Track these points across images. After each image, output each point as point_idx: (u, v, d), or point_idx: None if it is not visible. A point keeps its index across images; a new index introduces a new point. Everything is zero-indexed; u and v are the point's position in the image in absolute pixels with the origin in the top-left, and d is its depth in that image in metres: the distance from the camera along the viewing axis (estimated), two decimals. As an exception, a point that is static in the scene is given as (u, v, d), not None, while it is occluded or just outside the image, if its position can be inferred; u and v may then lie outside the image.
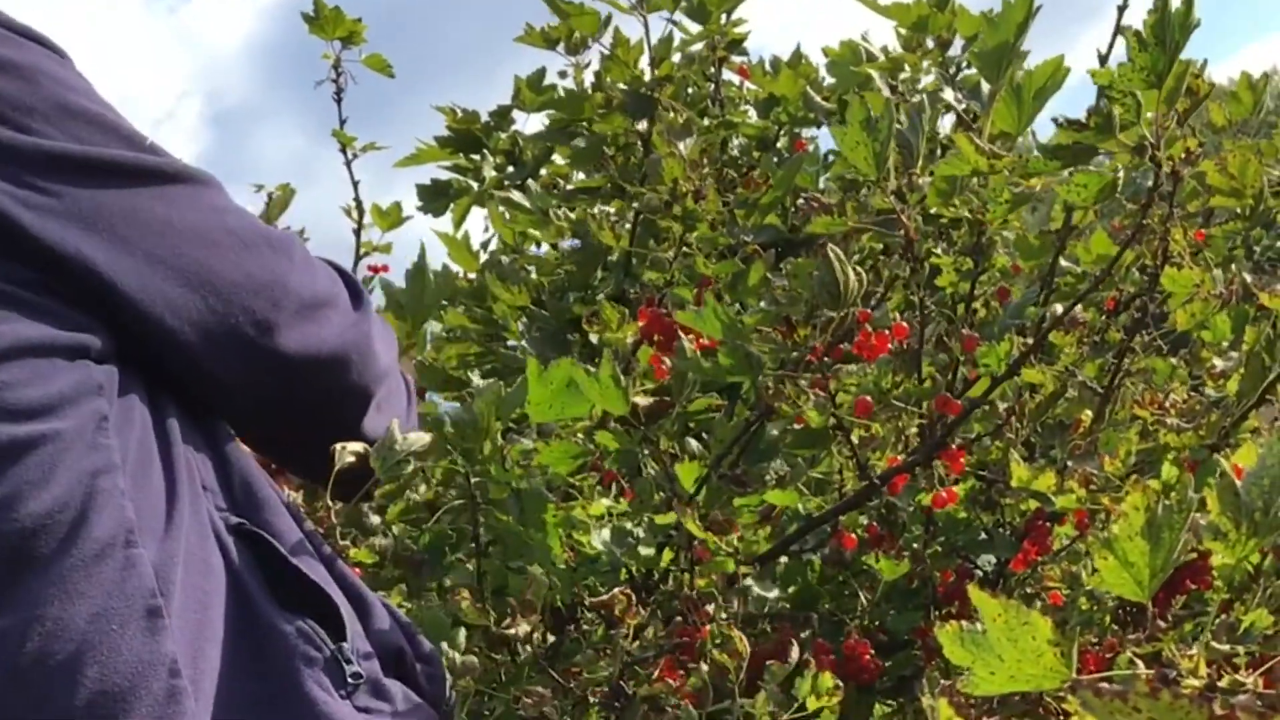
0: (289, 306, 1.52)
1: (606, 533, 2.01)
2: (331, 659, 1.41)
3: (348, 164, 3.28)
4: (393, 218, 3.26)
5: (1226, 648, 1.16)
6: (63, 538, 1.26)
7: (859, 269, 1.93)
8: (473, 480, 1.87)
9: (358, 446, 1.63)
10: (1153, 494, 1.12)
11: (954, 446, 2.07)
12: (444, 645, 1.74)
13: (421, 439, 1.66)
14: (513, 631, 1.78)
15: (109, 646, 1.26)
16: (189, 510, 1.39)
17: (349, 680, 1.42)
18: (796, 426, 2.15)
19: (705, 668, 1.80)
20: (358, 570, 1.64)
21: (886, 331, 2.05)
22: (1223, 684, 1.00)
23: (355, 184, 3.28)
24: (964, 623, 1.11)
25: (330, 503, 1.71)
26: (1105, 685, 0.91)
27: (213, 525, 1.43)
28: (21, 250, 1.32)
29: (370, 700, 1.44)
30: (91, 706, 1.24)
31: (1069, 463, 2.07)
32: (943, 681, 1.06)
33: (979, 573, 2.22)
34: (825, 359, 1.96)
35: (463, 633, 1.76)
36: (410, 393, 1.79)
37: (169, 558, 1.34)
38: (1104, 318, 2.38)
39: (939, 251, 2.37)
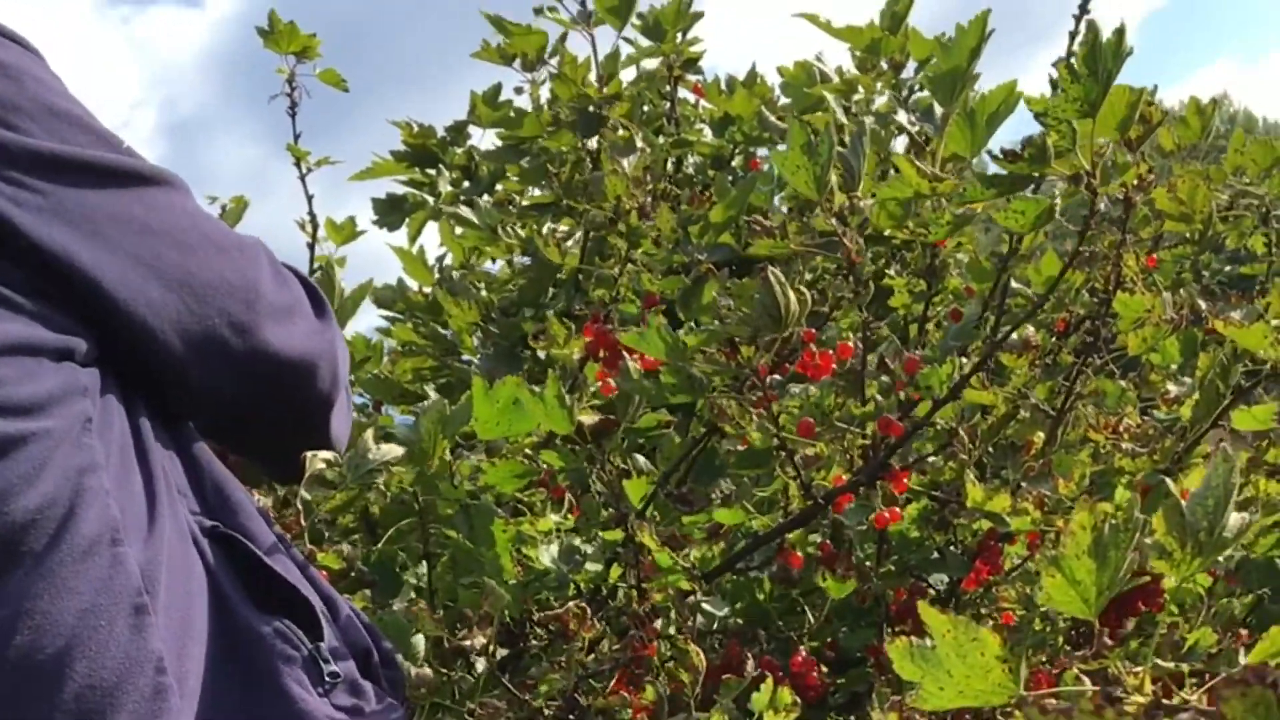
0: (262, 309, 1.54)
1: (555, 549, 2.03)
2: (309, 658, 1.44)
3: (302, 178, 3.27)
4: (346, 232, 3.26)
5: (1171, 665, 1.18)
6: (52, 534, 1.28)
7: (802, 290, 1.94)
8: (421, 497, 1.88)
9: (328, 454, 1.65)
10: (1100, 513, 1.14)
11: (898, 468, 2.09)
12: (399, 658, 1.75)
13: (393, 450, 1.68)
14: (468, 643, 1.78)
15: (97, 643, 1.27)
16: (168, 513, 1.40)
17: (327, 679, 1.44)
18: (741, 447, 2.18)
19: (660, 682, 1.82)
20: (324, 574, 1.65)
21: (831, 352, 2.07)
22: (1167, 702, 1.02)
23: (309, 198, 3.27)
24: (914, 638, 1.13)
25: (300, 507, 1.73)
26: (1051, 701, 0.93)
27: (189, 528, 1.45)
28: (10, 248, 1.33)
29: (348, 699, 1.46)
30: (79, 701, 1.25)
31: (1023, 484, 2.09)
32: (892, 696, 1.07)
33: (931, 592, 2.24)
34: (769, 379, 1.98)
35: (421, 640, 1.77)
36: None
37: (153, 558, 1.35)
38: (1055, 340, 2.40)
39: (892, 273, 2.39)
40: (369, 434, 1.67)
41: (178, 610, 1.36)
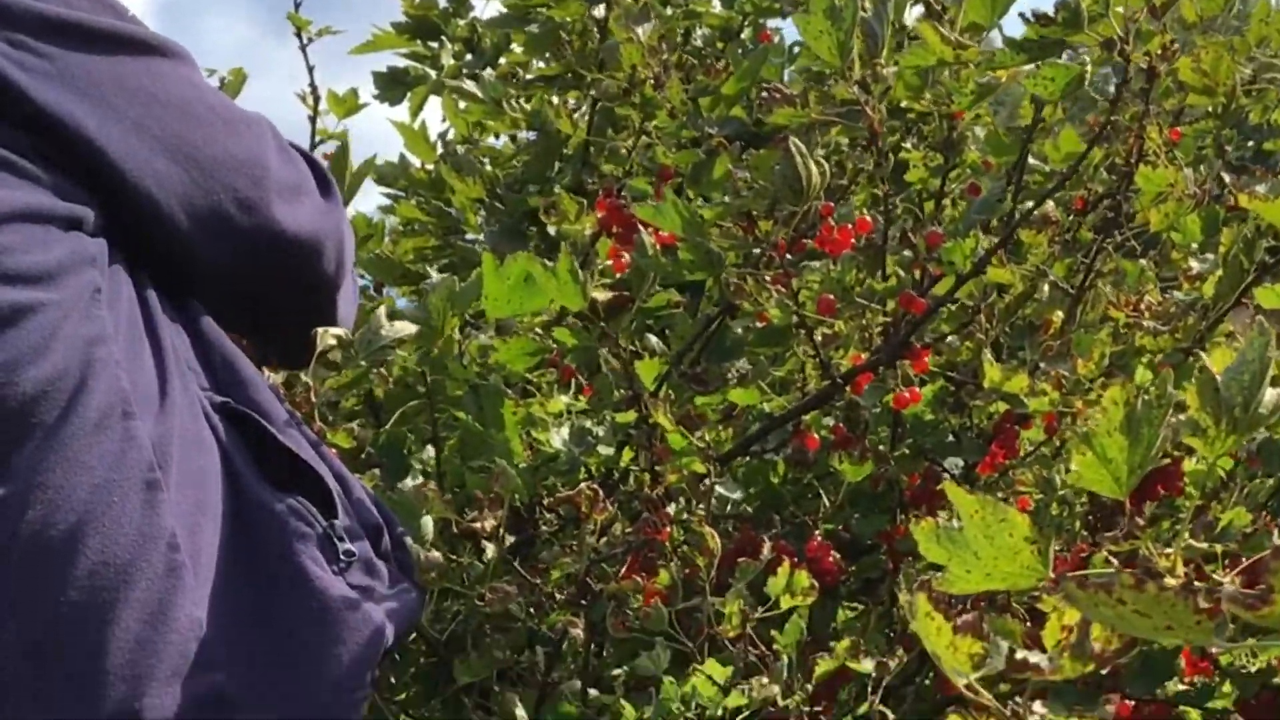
0: (269, 186, 1.53)
1: (565, 431, 2.00)
2: (324, 536, 1.43)
3: (303, 48, 3.20)
4: (349, 104, 3.20)
5: (1204, 546, 1.16)
6: (63, 406, 1.27)
7: (822, 162, 1.91)
8: (430, 378, 1.86)
9: (339, 331, 1.63)
10: (1132, 389, 1.12)
11: (919, 346, 2.06)
12: (408, 540, 1.74)
13: (407, 327, 1.67)
14: (478, 526, 1.77)
15: (110, 518, 1.27)
16: (179, 388, 1.40)
17: (342, 557, 1.44)
18: (759, 324, 2.15)
19: (674, 566, 1.81)
20: (334, 453, 1.64)
21: (850, 227, 2.04)
22: (1200, 584, 1.01)
23: (310, 69, 3.21)
24: (941, 519, 1.12)
25: (310, 383, 1.71)
26: (1090, 579, 0.92)
27: (200, 404, 1.44)
28: (16, 113, 1.32)
29: (363, 578, 1.46)
30: (92, 577, 1.26)
31: (1041, 364, 2.06)
32: (920, 577, 1.06)
33: (946, 476, 2.22)
34: (787, 254, 1.96)
35: (430, 521, 1.76)
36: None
37: (165, 433, 1.35)
38: (1072, 217, 2.37)
39: (909, 146, 2.36)
40: (381, 310, 1.65)
41: (190, 487, 1.36)
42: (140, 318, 1.41)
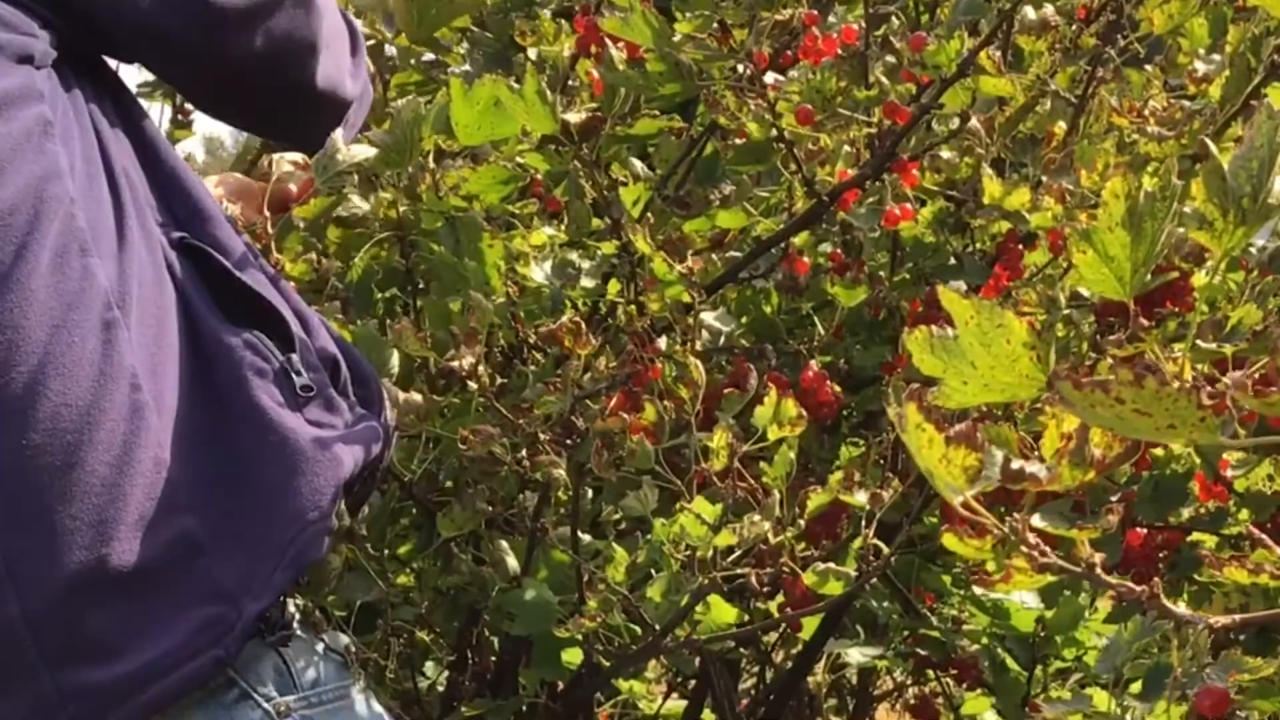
0: None
1: (548, 264, 1.95)
2: (281, 371, 1.42)
3: None
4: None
5: (1213, 346, 1.11)
6: (17, 244, 1.27)
7: None
8: (403, 209, 1.81)
9: (296, 156, 1.59)
10: (1134, 182, 1.06)
11: (906, 158, 2.00)
12: (386, 384, 1.70)
13: (365, 151, 1.62)
14: (456, 364, 1.72)
15: (70, 359, 1.27)
16: (137, 225, 1.39)
17: (299, 392, 1.43)
18: (739, 141, 2.09)
19: (662, 403, 1.76)
20: (294, 287, 1.60)
21: (835, 36, 1.98)
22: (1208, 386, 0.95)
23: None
24: (934, 328, 1.06)
25: (267, 215, 1.67)
26: (1086, 378, 0.86)
27: (158, 241, 1.43)
28: None
29: (322, 414, 1.45)
30: (55, 419, 1.26)
31: (1043, 178, 2.00)
32: (910, 386, 1.00)
33: (948, 300, 2.17)
34: (765, 65, 1.89)
35: (395, 356, 1.71)
36: (357, 37, 1.74)
37: (123, 271, 1.34)
38: (1074, 26, 2.29)
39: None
40: (337, 133, 1.59)
41: (150, 326, 1.35)
42: (98, 154, 1.39)
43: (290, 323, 1.47)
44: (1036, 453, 1.05)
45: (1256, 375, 0.89)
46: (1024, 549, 1.09)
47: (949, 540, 1.11)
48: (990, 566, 1.09)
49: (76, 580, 1.27)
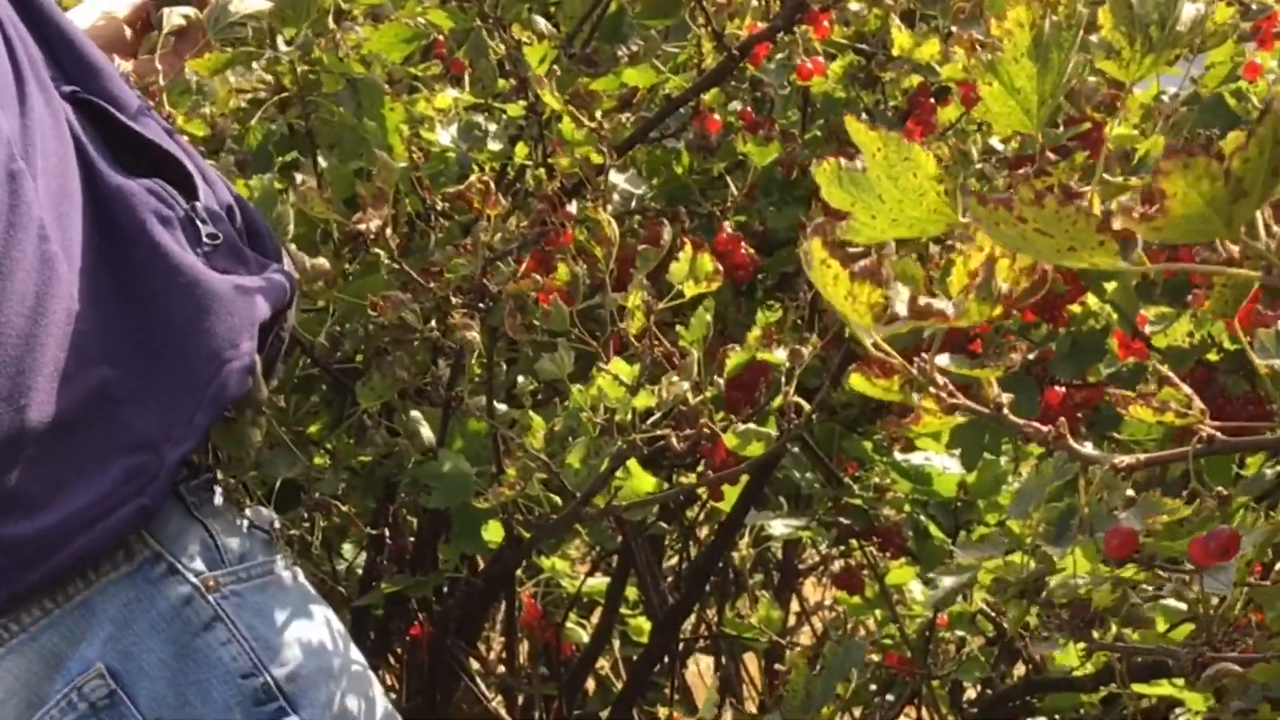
0: None
1: (454, 128, 1.94)
2: (186, 219, 1.42)
3: None
4: None
5: (1120, 180, 1.12)
6: None
7: None
8: (300, 69, 1.78)
9: (187, 10, 1.57)
10: (1038, 10, 1.06)
11: (817, 9, 1.98)
12: (291, 247, 1.69)
13: (259, 3, 1.59)
14: (363, 227, 1.70)
15: None
16: (33, 78, 1.37)
17: (205, 240, 1.42)
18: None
19: (575, 263, 1.76)
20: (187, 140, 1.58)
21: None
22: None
23: None
24: (842, 160, 1.06)
25: (159, 67, 1.65)
26: (991, 196, 0.87)
27: (54, 94, 1.42)
28: None
29: (229, 263, 1.44)
30: None
31: (953, 29, 1.99)
32: (815, 221, 1.00)
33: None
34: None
35: (289, 212, 1.70)
36: None
37: (25, 125, 1.33)
38: None
39: None
40: None
41: (54, 178, 1.34)
42: None
43: (192, 173, 1.46)
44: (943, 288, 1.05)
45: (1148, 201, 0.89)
46: (932, 390, 1.10)
47: (857, 381, 1.12)
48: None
49: None
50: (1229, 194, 0.81)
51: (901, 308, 1.00)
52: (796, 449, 2.31)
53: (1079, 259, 0.89)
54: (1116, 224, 0.84)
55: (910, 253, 1.06)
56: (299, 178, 1.83)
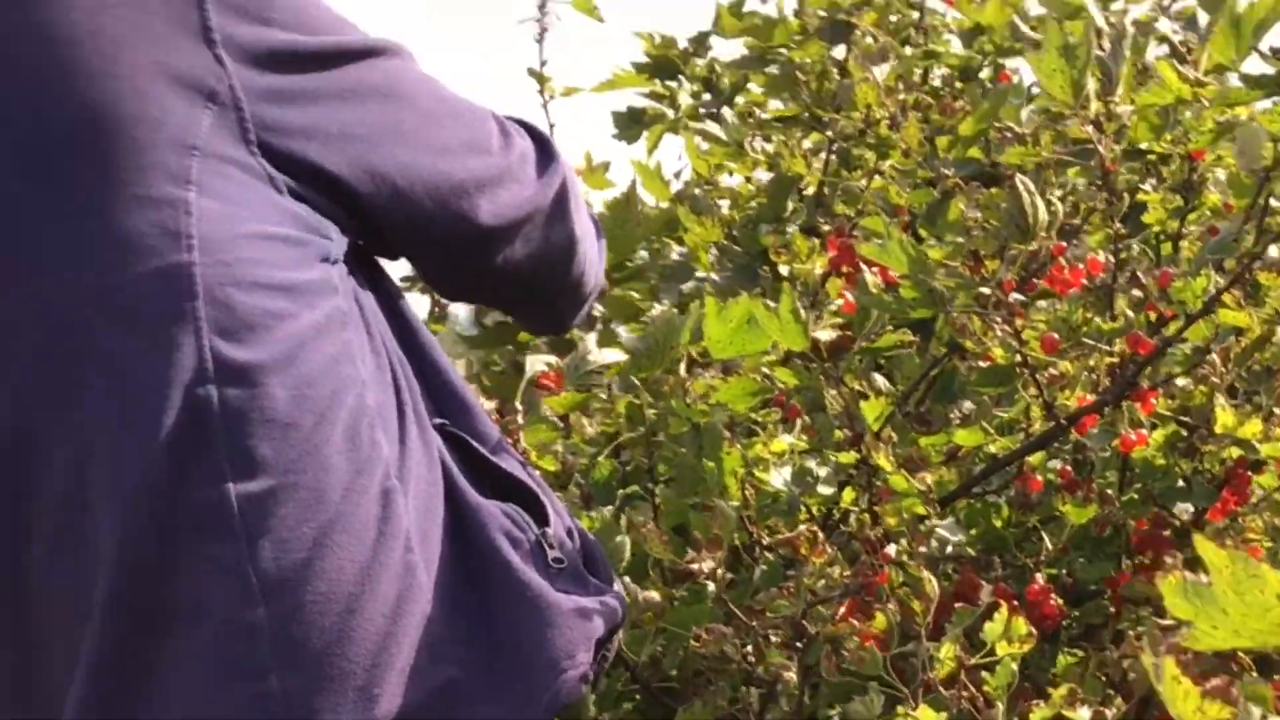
0: (491, 173, 1.53)
1: (787, 471, 1.94)
2: (535, 543, 1.49)
3: (544, 105, 3.16)
4: (599, 180, 3.13)
5: None
6: (317, 414, 1.32)
7: (1054, 201, 1.84)
8: (651, 413, 1.81)
9: (549, 358, 1.62)
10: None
11: (1146, 387, 1.96)
12: (627, 580, 1.71)
13: (615, 354, 1.64)
14: (696, 567, 1.73)
15: (357, 520, 1.33)
16: (412, 408, 1.45)
17: (552, 564, 1.48)
18: (983, 364, 2.07)
19: (891, 609, 1.73)
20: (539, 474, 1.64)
21: (1081, 267, 1.96)
22: None
23: (551, 127, 3.15)
24: (1188, 574, 1.02)
25: (519, 407, 1.71)
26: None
27: (427, 422, 1.49)
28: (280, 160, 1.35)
29: (570, 585, 1.49)
30: (340, 571, 1.31)
31: (1276, 410, 1.94)
32: (1164, 636, 0.96)
33: (1175, 522, 2.10)
34: (1017, 294, 1.89)
35: (626, 543, 1.73)
36: (599, 228, 1.77)
37: (402, 448, 1.40)
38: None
39: (1147, 188, 2.24)
40: (590, 337, 1.62)
41: (421, 497, 1.41)
42: (381, 345, 1.45)
43: (545, 502, 1.53)
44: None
45: None
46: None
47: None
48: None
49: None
50: None
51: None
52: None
53: None
54: None
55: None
56: (636, 517, 1.86)
